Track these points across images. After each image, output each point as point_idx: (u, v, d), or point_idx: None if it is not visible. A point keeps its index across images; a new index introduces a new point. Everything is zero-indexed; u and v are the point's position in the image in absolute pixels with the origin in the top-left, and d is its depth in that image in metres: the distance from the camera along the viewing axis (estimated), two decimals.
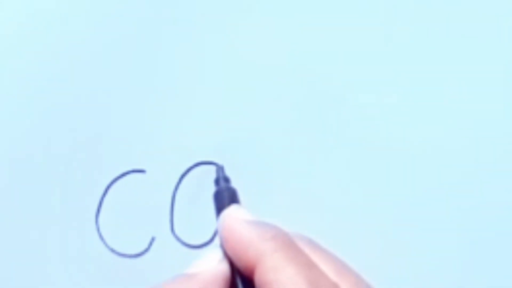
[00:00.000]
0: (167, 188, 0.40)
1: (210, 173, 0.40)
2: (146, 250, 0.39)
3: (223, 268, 0.31)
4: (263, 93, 0.41)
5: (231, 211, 0.32)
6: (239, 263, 0.29)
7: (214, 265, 0.31)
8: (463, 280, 0.38)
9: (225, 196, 0.35)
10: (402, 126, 0.40)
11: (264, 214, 0.39)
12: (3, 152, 0.41)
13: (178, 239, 0.39)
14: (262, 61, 0.42)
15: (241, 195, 0.39)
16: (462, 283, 0.38)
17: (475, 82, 0.41)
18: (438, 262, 0.38)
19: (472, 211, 0.39)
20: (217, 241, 0.39)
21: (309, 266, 0.28)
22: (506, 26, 0.42)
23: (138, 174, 0.40)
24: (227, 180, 0.37)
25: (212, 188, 0.38)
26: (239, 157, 0.40)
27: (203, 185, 0.40)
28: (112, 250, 0.39)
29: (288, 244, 0.29)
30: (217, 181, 0.37)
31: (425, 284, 0.38)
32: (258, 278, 0.28)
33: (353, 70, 0.41)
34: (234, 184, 0.39)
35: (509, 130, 0.40)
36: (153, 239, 0.39)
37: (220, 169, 0.38)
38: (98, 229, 0.39)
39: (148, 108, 0.41)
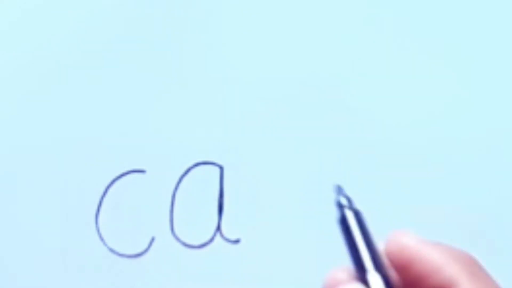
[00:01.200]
0: (167, 188, 0.40)
1: (210, 173, 0.40)
2: (146, 250, 0.39)
3: None
4: (264, 93, 0.41)
5: (400, 233, 0.28)
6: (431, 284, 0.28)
7: None
8: None
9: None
10: (403, 126, 0.41)
11: (264, 214, 0.39)
12: (4, 152, 0.41)
13: (177, 239, 0.39)
14: (262, 61, 0.42)
15: (240, 195, 0.39)
16: None
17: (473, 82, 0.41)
18: None
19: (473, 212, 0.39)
20: (218, 240, 0.39)
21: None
22: (506, 26, 0.42)
23: (138, 174, 0.40)
24: (349, 200, 0.31)
25: (212, 188, 0.38)
26: (239, 157, 0.40)
27: (203, 185, 0.40)
28: (112, 250, 0.39)
29: (479, 268, 0.27)
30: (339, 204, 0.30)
31: None
32: None
33: (355, 71, 0.42)
34: (234, 184, 0.39)
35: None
36: (153, 239, 0.39)
37: (339, 189, 0.31)
38: (98, 229, 0.39)
39: (148, 109, 0.41)
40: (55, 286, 0.39)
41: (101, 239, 0.39)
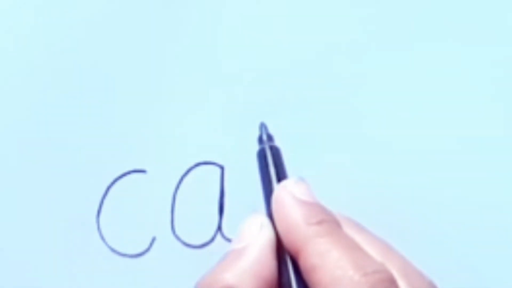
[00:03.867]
0: (167, 188, 0.40)
1: (211, 173, 0.40)
2: (147, 250, 0.39)
3: (268, 236, 0.30)
4: (264, 93, 0.41)
5: (288, 183, 0.31)
6: (284, 243, 0.29)
7: (259, 234, 0.30)
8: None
9: (268, 160, 0.33)
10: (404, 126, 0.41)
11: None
12: (4, 152, 0.41)
13: (178, 239, 0.39)
14: (263, 61, 0.42)
15: (241, 195, 0.39)
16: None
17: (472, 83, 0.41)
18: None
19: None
20: (218, 240, 0.39)
21: (354, 249, 0.28)
22: (505, 26, 0.42)
23: (139, 174, 0.40)
24: (270, 138, 0.34)
25: (213, 188, 0.38)
26: (240, 157, 0.40)
27: (204, 185, 0.40)
28: (113, 250, 0.39)
29: (333, 228, 0.29)
30: (260, 139, 0.34)
31: None
32: (303, 263, 0.28)
33: (355, 72, 0.42)
34: (234, 184, 0.39)
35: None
36: (153, 239, 0.39)
37: (263, 126, 0.35)
38: (99, 229, 0.39)
39: (148, 109, 0.41)
40: (55, 286, 0.39)
41: (102, 238, 0.39)
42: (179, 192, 0.40)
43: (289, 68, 0.42)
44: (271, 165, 0.33)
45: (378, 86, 0.41)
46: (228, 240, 0.39)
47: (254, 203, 0.38)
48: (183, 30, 0.42)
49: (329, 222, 0.29)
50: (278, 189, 0.31)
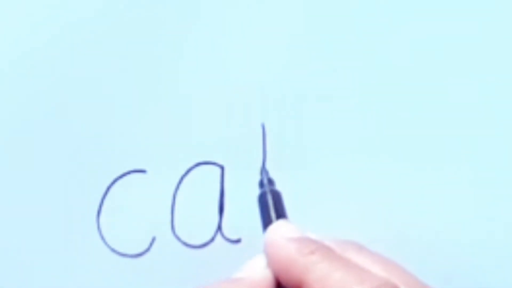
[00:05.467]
0: (167, 188, 0.40)
1: (211, 173, 0.40)
2: (147, 250, 0.39)
3: (269, 275, 0.32)
4: (264, 93, 0.41)
5: (276, 227, 0.33)
6: (285, 281, 0.30)
7: (260, 271, 0.32)
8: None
9: (269, 204, 0.35)
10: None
11: None
12: (4, 152, 0.41)
13: (178, 239, 0.39)
14: (263, 61, 0.42)
15: (241, 195, 0.39)
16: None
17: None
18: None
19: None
20: (218, 240, 0.39)
21: (354, 267, 0.29)
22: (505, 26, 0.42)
23: (138, 174, 0.40)
24: (271, 182, 0.37)
25: (213, 188, 0.38)
26: (240, 157, 0.40)
27: (204, 185, 0.40)
28: (113, 250, 0.39)
29: (328, 253, 0.30)
30: (261, 183, 0.37)
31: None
32: None
33: (355, 73, 0.42)
34: (234, 184, 0.39)
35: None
36: (153, 239, 0.39)
37: (264, 171, 0.38)
38: (99, 229, 0.40)
39: (149, 108, 0.41)
40: (55, 286, 0.39)
41: (102, 238, 0.39)
42: (179, 192, 0.40)
43: (289, 68, 0.42)
44: (271, 209, 0.34)
45: (378, 85, 0.41)
46: (228, 240, 0.39)
47: (254, 203, 0.38)
48: (183, 30, 0.42)
49: (322, 249, 0.30)
50: (268, 233, 0.33)
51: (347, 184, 0.40)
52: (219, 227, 0.39)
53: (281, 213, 0.35)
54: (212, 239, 0.39)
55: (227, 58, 0.42)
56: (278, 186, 0.38)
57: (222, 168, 0.40)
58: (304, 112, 0.41)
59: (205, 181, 0.40)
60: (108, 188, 0.40)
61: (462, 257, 0.39)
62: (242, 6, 0.43)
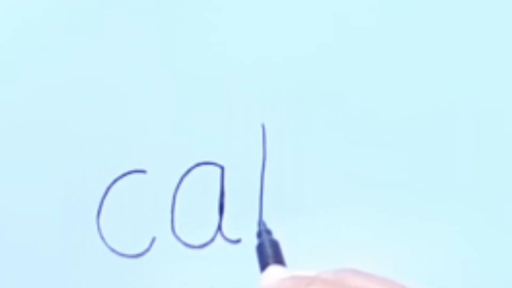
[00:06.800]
0: (167, 189, 0.40)
1: (211, 173, 0.40)
2: (147, 250, 0.39)
3: None
4: (264, 93, 0.41)
5: (269, 272, 0.34)
6: None
7: None
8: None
9: (268, 252, 0.36)
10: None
11: (264, 214, 0.39)
12: (4, 153, 0.41)
13: (178, 239, 0.39)
14: (263, 61, 0.42)
15: (241, 195, 0.39)
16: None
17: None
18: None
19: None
20: (218, 240, 0.39)
21: None
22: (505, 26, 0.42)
23: (138, 174, 0.40)
24: (269, 232, 0.38)
25: (213, 189, 0.38)
26: (240, 158, 0.40)
27: (204, 185, 0.40)
28: (113, 250, 0.39)
29: (324, 282, 0.30)
30: (259, 234, 0.37)
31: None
32: None
33: (354, 72, 0.42)
34: (235, 184, 0.39)
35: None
36: (153, 239, 0.39)
37: (261, 222, 0.38)
38: (99, 229, 0.40)
39: (149, 108, 0.41)
40: (55, 286, 0.39)
41: (102, 238, 0.39)
42: (179, 192, 0.40)
43: (289, 68, 0.42)
44: (270, 258, 0.35)
45: (378, 86, 0.41)
46: (228, 240, 0.39)
47: (254, 203, 0.38)
48: (183, 30, 0.42)
49: (317, 280, 0.30)
50: (263, 279, 0.34)
51: (347, 183, 0.40)
52: (219, 227, 0.39)
53: (279, 261, 0.35)
54: (212, 239, 0.39)
55: (227, 58, 0.42)
56: (278, 185, 0.38)
57: (222, 168, 0.40)
58: (304, 112, 0.41)
59: (205, 181, 0.40)
60: (108, 188, 0.40)
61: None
62: (242, 6, 0.43)
